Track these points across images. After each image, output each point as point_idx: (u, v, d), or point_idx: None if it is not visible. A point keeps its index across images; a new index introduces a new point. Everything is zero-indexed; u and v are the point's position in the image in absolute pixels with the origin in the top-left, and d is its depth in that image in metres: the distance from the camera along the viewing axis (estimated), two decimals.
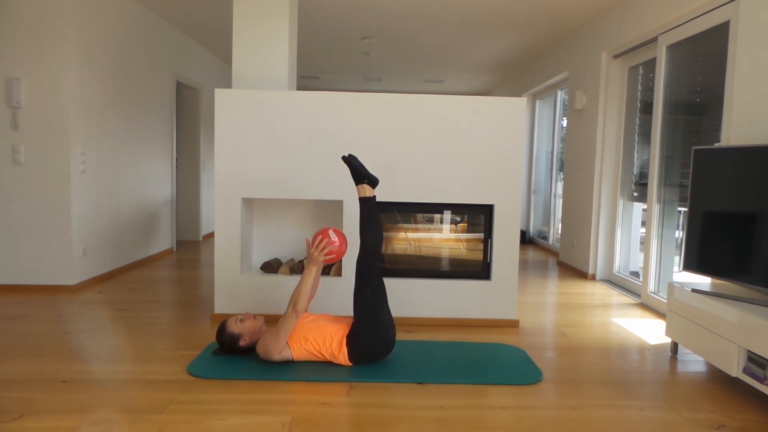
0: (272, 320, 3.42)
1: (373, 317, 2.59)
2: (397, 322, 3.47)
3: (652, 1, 4.13)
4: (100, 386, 2.38)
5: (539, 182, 7.74)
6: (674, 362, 2.89)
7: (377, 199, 3.40)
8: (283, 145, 3.38)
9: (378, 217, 2.72)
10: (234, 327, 2.70)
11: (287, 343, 2.62)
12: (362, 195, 2.75)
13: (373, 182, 2.77)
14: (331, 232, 2.63)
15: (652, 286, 4.16)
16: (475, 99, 3.39)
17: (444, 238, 3.64)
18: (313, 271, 2.60)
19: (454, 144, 3.40)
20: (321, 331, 2.65)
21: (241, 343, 2.69)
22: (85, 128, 4.25)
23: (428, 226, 3.64)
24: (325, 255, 2.59)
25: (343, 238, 2.65)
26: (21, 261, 4.08)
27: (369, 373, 2.57)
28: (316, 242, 2.60)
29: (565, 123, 6.65)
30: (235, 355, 2.75)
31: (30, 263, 4.09)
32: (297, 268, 3.57)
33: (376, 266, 2.64)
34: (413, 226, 3.64)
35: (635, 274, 4.80)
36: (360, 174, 2.76)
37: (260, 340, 2.65)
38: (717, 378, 2.68)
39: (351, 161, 2.78)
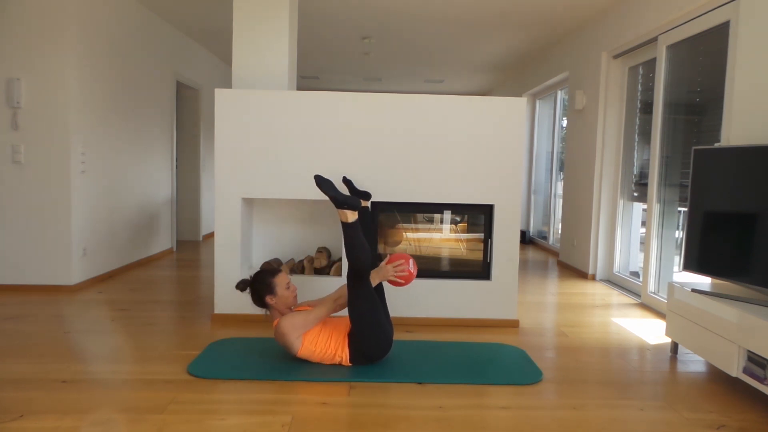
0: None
1: (369, 324, 2.58)
2: (397, 322, 3.47)
3: (652, 1, 4.13)
4: (100, 386, 2.38)
5: (539, 182, 7.74)
6: (674, 362, 2.89)
7: (374, 199, 3.40)
8: (283, 145, 3.38)
9: (363, 240, 2.60)
10: (279, 285, 2.62)
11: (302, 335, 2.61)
12: (343, 220, 2.61)
13: (354, 206, 2.62)
14: (411, 261, 2.73)
15: (652, 286, 4.16)
16: (475, 99, 3.39)
17: (444, 238, 3.64)
18: (376, 282, 2.67)
19: (454, 144, 3.40)
20: (327, 331, 2.65)
21: (269, 299, 2.61)
22: (85, 128, 4.25)
23: (428, 226, 3.64)
24: (396, 277, 2.68)
25: (415, 273, 2.75)
26: (21, 261, 4.08)
27: (369, 373, 2.57)
28: (396, 263, 2.68)
29: (565, 123, 6.65)
30: (251, 295, 2.67)
31: (30, 263, 4.09)
32: (297, 268, 3.57)
33: (366, 281, 2.59)
34: (413, 226, 3.64)
35: (635, 274, 4.80)
36: (337, 200, 2.60)
37: (287, 316, 2.59)
38: (717, 378, 2.68)
39: (326, 190, 2.64)
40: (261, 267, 2.73)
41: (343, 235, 2.62)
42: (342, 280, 3.44)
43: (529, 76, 7.46)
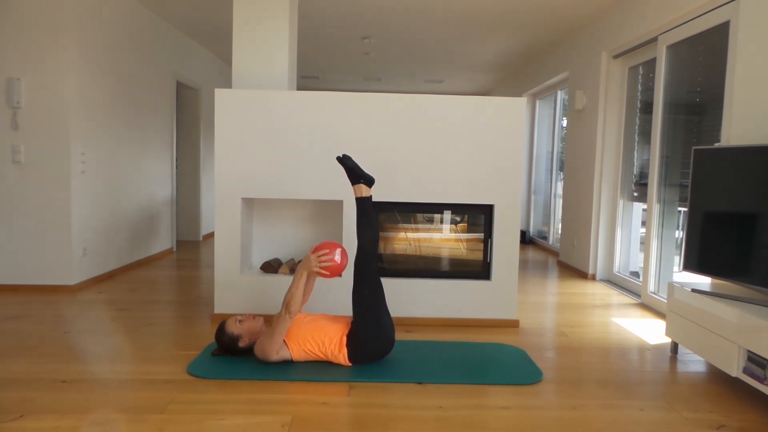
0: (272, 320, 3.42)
1: (372, 316, 2.60)
2: (397, 322, 3.47)
3: (652, 1, 4.13)
4: (100, 386, 2.38)
5: (539, 182, 7.74)
6: (674, 362, 2.89)
7: (373, 199, 3.41)
8: (283, 145, 3.38)
9: (374, 216, 2.73)
10: (233, 327, 2.69)
11: (286, 343, 2.62)
12: (359, 195, 2.76)
13: (369, 182, 2.77)
14: (338, 251, 2.60)
15: (652, 286, 4.16)
16: (475, 99, 3.39)
17: (444, 238, 3.64)
18: (303, 276, 2.57)
19: (454, 144, 3.40)
20: (320, 331, 2.65)
21: (240, 343, 2.69)
22: (85, 128, 4.25)
23: (428, 226, 3.64)
24: (321, 268, 2.58)
25: (344, 263, 2.62)
26: (21, 261, 4.08)
27: (369, 373, 2.57)
28: (320, 252, 2.60)
29: (565, 123, 6.65)
30: (234, 355, 2.74)
31: (30, 263, 4.09)
32: (296, 268, 3.57)
33: (374, 266, 2.65)
34: (413, 226, 3.64)
35: (635, 274, 4.80)
36: (356, 174, 2.77)
37: (257, 341, 2.66)
38: (717, 378, 2.68)
39: (346, 161, 2.79)
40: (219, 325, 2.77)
41: (357, 211, 2.73)
42: (341, 286, 3.44)
43: (529, 76, 7.46)
